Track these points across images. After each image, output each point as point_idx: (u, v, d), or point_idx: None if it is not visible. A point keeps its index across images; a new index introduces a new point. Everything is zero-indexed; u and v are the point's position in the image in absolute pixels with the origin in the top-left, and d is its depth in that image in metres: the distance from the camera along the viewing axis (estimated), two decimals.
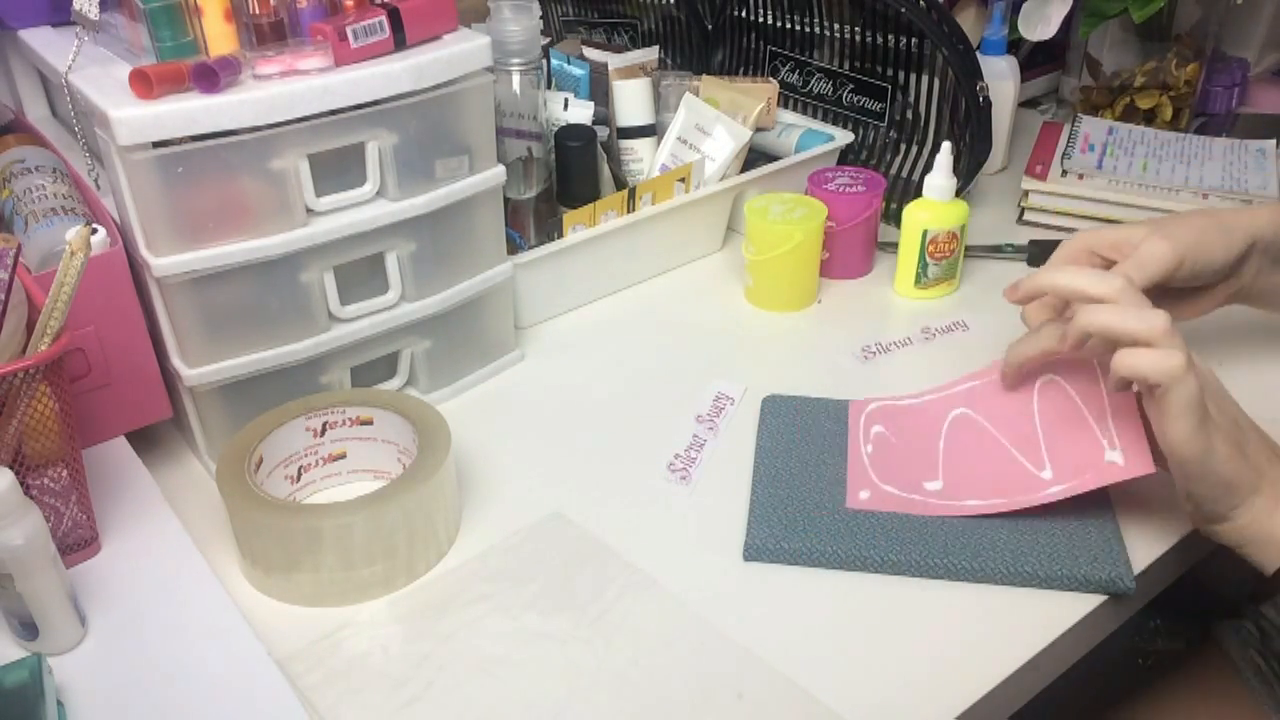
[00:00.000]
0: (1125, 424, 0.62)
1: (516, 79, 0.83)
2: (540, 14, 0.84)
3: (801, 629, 0.58)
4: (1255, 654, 0.77)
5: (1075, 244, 0.69)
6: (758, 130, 0.98)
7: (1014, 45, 1.11)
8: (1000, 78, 1.05)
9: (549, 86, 0.95)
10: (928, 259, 0.88)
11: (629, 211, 0.89)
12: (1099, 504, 0.64)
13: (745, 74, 1.11)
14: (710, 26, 1.12)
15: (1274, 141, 1.04)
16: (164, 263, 0.63)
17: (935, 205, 0.86)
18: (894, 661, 0.56)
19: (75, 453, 0.60)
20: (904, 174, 1.01)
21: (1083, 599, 0.60)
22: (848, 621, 0.59)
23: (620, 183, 0.97)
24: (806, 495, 0.66)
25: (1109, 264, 0.67)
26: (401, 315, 0.73)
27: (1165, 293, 0.68)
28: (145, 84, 0.59)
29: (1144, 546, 0.63)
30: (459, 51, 0.68)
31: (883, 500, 0.65)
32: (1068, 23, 1.09)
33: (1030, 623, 0.58)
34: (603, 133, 0.95)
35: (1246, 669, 0.76)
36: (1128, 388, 0.61)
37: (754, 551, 0.63)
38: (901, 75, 0.98)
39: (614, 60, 0.98)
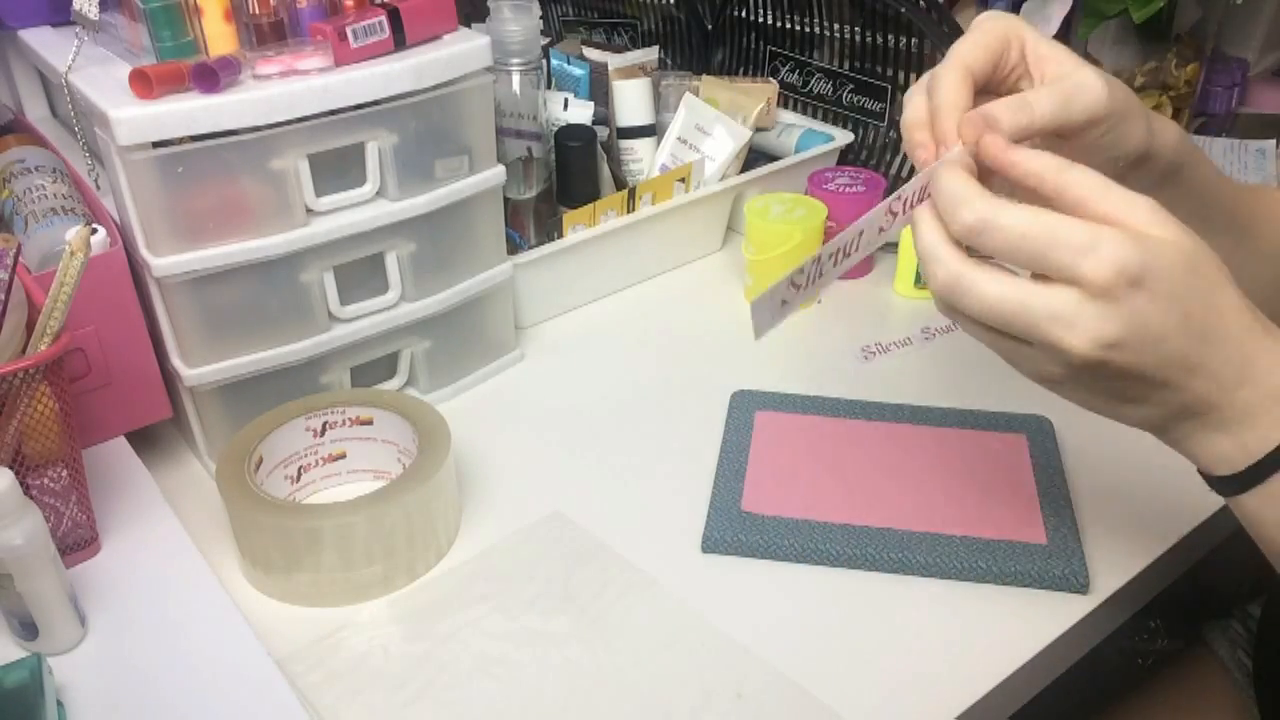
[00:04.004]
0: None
1: (516, 79, 0.83)
2: (540, 14, 0.84)
3: (802, 629, 0.58)
4: (1243, 654, 0.77)
5: (985, 34, 0.53)
6: (758, 130, 0.98)
7: None
8: None
9: (549, 86, 0.95)
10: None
11: (629, 211, 0.89)
12: (1056, 504, 0.65)
13: (745, 74, 1.11)
14: (710, 26, 1.12)
15: (1274, 141, 1.04)
16: (164, 263, 0.63)
17: None
18: (894, 661, 0.56)
19: (75, 453, 0.60)
20: (904, 174, 1.01)
21: (1082, 600, 0.60)
22: (848, 622, 0.59)
23: (620, 183, 0.97)
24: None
25: (1016, 68, 0.54)
26: (401, 315, 0.73)
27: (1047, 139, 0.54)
28: (145, 84, 0.59)
29: (1142, 547, 0.63)
30: (459, 51, 0.68)
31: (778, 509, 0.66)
32: (1068, 23, 1.09)
33: (1030, 623, 0.58)
34: (603, 133, 0.95)
35: (1235, 669, 0.76)
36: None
37: (710, 544, 0.64)
38: (901, 75, 0.98)
39: (614, 60, 0.98)
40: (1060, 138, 0.52)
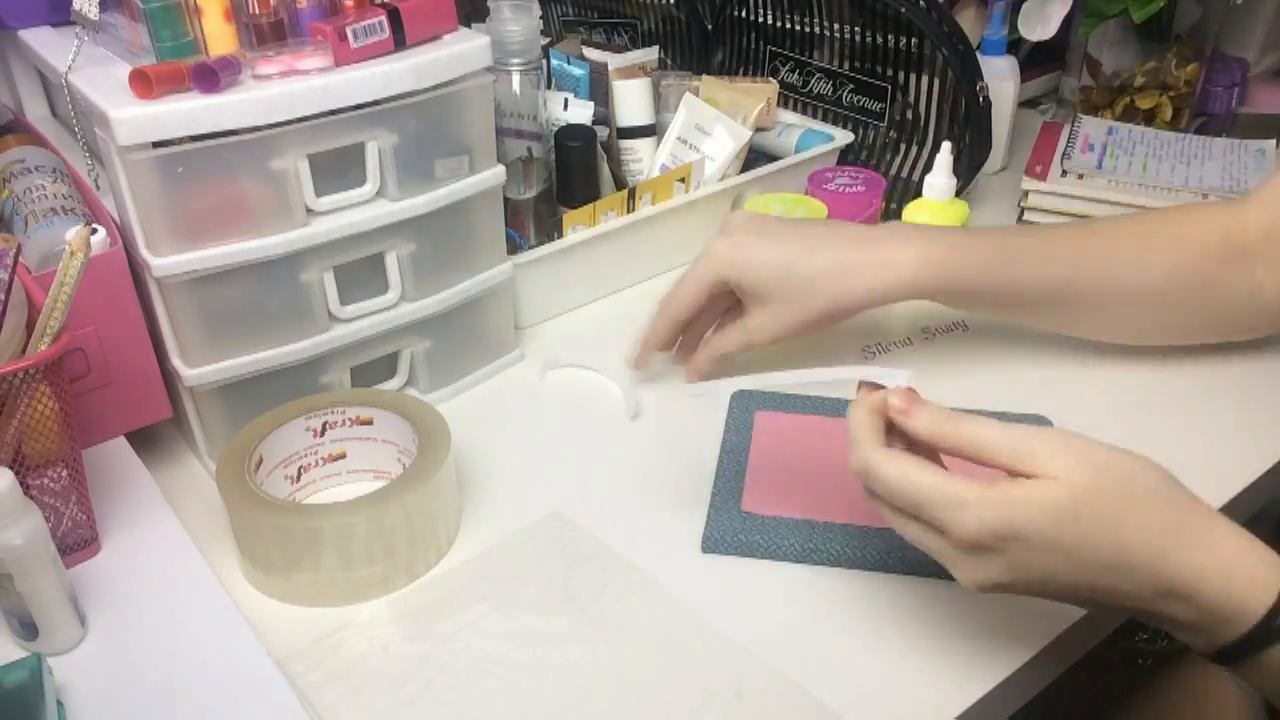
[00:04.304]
0: None
1: (516, 79, 0.83)
2: (540, 14, 0.84)
3: (802, 629, 0.58)
4: None
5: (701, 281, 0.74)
6: (758, 130, 0.98)
7: (1014, 45, 1.11)
8: (1000, 78, 1.05)
9: (549, 86, 0.95)
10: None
11: (629, 211, 0.89)
12: None
13: (745, 74, 1.11)
14: (710, 26, 1.12)
15: (1274, 141, 1.04)
16: (164, 263, 0.63)
17: (935, 205, 0.86)
18: (894, 661, 0.56)
19: (75, 453, 0.60)
20: (904, 174, 1.01)
21: None
22: (849, 622, 0.59)
23: (620, 183, 0.97)
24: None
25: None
26: (401, 315, 0.73)
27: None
28: (145, 84, 0.59)
29: None
30: (459, 51, 0.68)
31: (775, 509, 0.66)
32: (1068, 23, 1.10)
33: (1030, 622, 0.58)
34: (603, 133, 0.95)
35: None
36: None
37: (710, 544, 0.64)
38: (901, 75, 0.98)
39: (614, 60, 0.98)
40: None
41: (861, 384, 0.55)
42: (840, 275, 0.70)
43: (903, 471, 0.50)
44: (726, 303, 0.75)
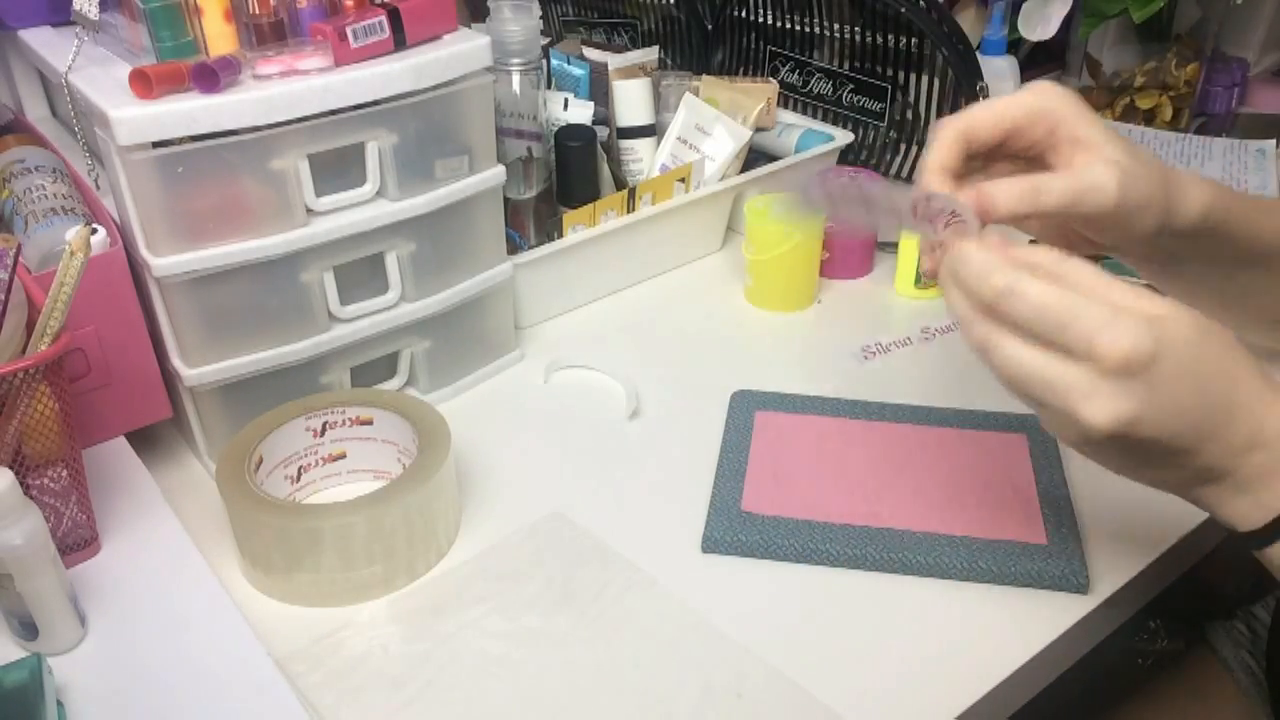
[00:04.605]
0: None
1: (516, 79, 0.83)
2: (540, 14, 0.84)
3: (802, 629, 0.58)
4: (1247, 654, 0.77)
5: (1009, 106, 0.55)
6: (758, 130, 0.98)
7: (1014, 45, 1.11)
8: (1000, 78, 1.05)
9: (549, 86, 0.95)
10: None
11: (629, 211, 0.89)
12: (1056, 504, 0.65)
13: (745, 74, 1.11)
14: (710, 26, 1.12)
15: (1274, 141, 1.04)
16: (164, 263, 0.63)
17: None
18: (894, 661, 0.56)
19: (75, 453, 0.60)
20: (904, 174, 1.01)
21: (1082, 599, 0.60)
22: (848, 621, 0.59)
23: (620, 183, 0.97)
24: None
25: (1040, 143, 0.56)
26: (401, 315, 0.73)
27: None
28: (145, 84, 0.59)
29: (1142, 547, 0.63)
30: (459, 51, 0.68)
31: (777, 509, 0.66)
32: (1068, 23, 1.10)
33: (1030, 622, 0.58)
34: (603, 133, 0.95)
35: (1239, 669, 0.76)
36: None
37: (710, 544, 0.64)
38: (901, 75, 0.98)
39: (614, 60, 0.98)
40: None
41: (924, 202, 0.51)
42: (1168, 183, 0.57)
43: (1047, 289, 0.46)
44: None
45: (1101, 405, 0.45)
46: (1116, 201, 0.53)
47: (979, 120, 0.55)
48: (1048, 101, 0.55)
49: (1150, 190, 0.55)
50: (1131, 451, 0.48)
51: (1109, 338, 0.44)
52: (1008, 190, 0.53)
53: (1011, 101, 0.56)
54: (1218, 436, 0.48)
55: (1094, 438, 0.46)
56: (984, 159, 0.57)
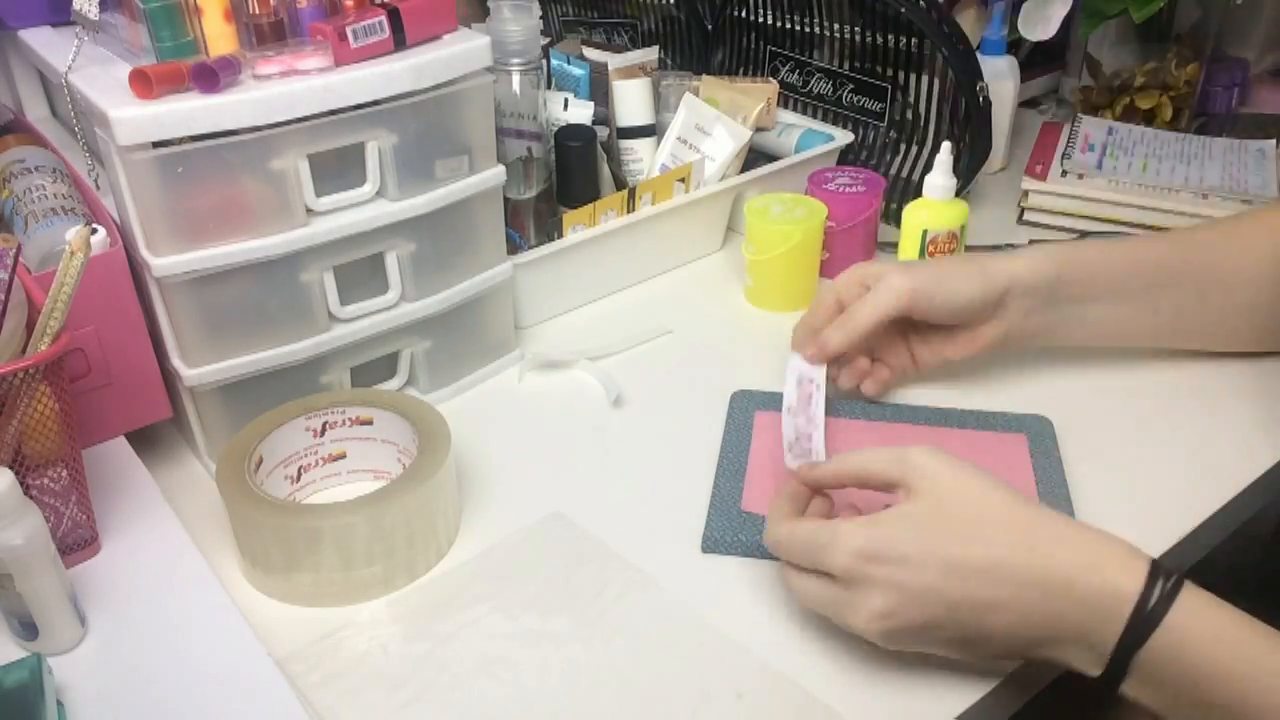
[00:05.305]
0: None
1: (516, 79, 0.83)
2: (540, 14, 0.84)
3: (802, 629, 0.58)
4: None
5: (838, 284, 0.73)
6: (758, 130, 0.98)
7: (1014, 45, 1.11)
8: (1000, 78, 1.05)
9: (549, 86, 0.95)
10: (927, 259, 0.87)
11: (629, 211, 0.89)
12: (1056, 504, 0.65)
13: (745, 74, 1.11)
14: (710, 26, 1.12)
15: (1274, 141, 1.04)
16: (164, 263, 0.63)
17: (935, 205, 0.86)
18: (894, 661, 0.56)
19: (75, 453, 0.60)
20: (904, 174, 1.01)
21: None
22: None
23: (620, 183, 0.97)
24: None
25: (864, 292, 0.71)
26: (401, 315, 0.73)
27: (932, 329, 0.73)
28: (145, 84, 0.59)
29: (1142, 547, 0.63)
30: (459, 51, 0.68)
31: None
32: (1068, 23, 1.09)
33: None
34: (602, 133, 0.95)
35: None
36: None
37: (710, 544, 0.64)
38: (901, 75, 0.98)
39: (614, 60, 0.98)
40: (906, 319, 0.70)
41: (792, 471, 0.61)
42: (981, 263, 0.71)
43: (789, 529, 0.55)
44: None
45: (857, 611, 0.51)
46: (910, 290, 0.69)
47: (817, 312, 0.73)
48: (862, 268, 0.72)
49: (941, 267, 0.70)
50: (929, 635, 0.52)
51: (829, 560, 0.52)
52: (831, 333, 0.71)
53: (841, 280, 0.73)
54: (1002, 602, 0.50)
55: (876, 637, 0.52)
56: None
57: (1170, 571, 0.49)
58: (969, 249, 0.92)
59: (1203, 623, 0.47)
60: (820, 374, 0.72)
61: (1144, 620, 0.47)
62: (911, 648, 0.53)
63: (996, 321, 0.71)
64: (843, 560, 0.51)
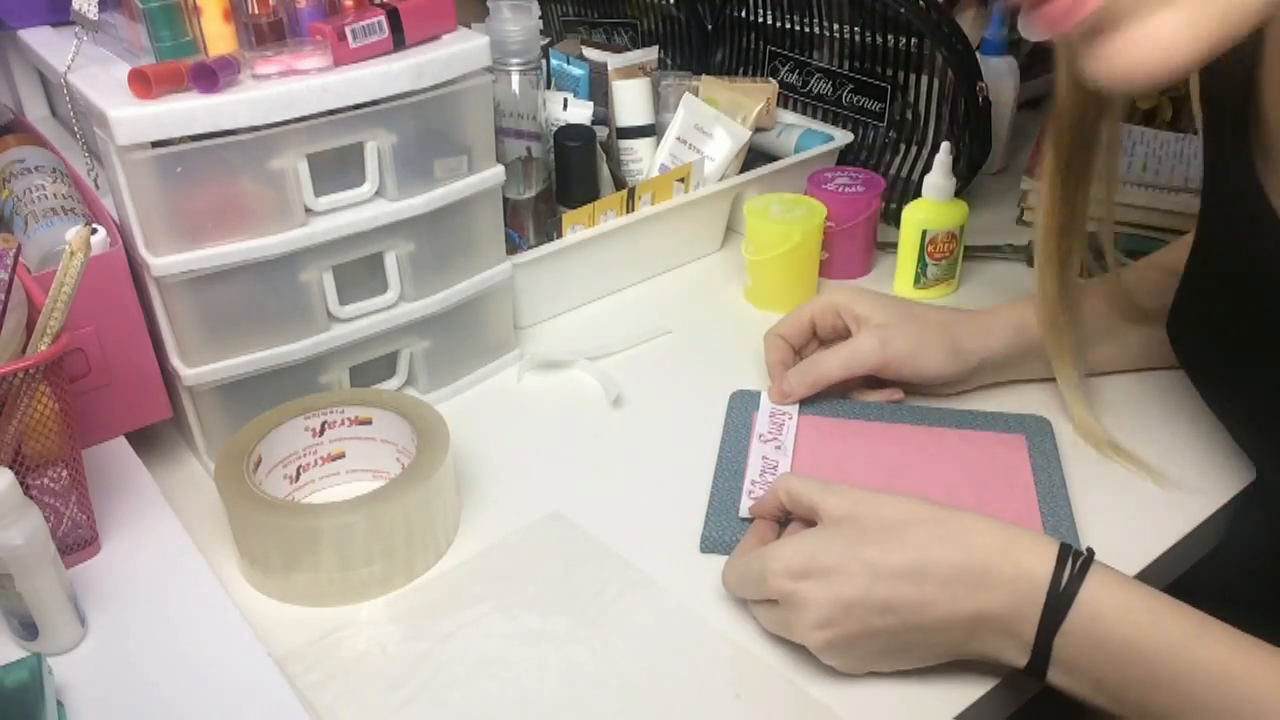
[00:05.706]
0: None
1: (516, 79, 0.83)
2: (540, 14, 0.84)
3: None
4: None
5: (797, 314, 0.75)
6: (757, 130, 0.98)
7: (1014, 45, 1.11)
8: (1000, 78, 1.05)
9: (549, 86, 0.95)
10: (927, 259, 0.88)
11: (628, 211, 0.89)
12: (1055, 504, 0.65)
13: (745, 74, 1.11)
14: (710, 26, 1.12)
15: None
16: (163, 263, 0.63)
17: (934, 205, 0.86)
18: None
19: (75, 453, 0.60)
20: (903, 174, 1.01)
21: None
22: None
23: (619, 183, 0.97)
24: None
25: (836, 326, 0.74)
26: (401, 315, 0.73)
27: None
28: (144, 84, 0.59)
29: (1142, 547, 0.63)
30: (458, 51, 0.68)
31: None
32: None
33: None
34: (602, 133, 0.95)
35: None
36: None
37: (709, 544, 0.64)
38: (901, 75, 0.98)
39: (614, 60, 0.98)
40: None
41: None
42: (956, 339, 0.73)
43: (730, 568, 0.58)
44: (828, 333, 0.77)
45: (799, 627, 0.53)
46: (881, 358, 0.71)
47: (789, 325, 0.75)
48: (832, 297, 0.74)
49: (917, 338, 0.71)
50: (870, 644, 0.53)
51: (766, 586, 0.54)
52: (796, 377, 0.73)
53: (808, 305, 0.75)
54: (930, 600, 0.51)
55: (823, 652, 0.53)
56: (813, 343, 0.77)
57: (1078, 552, 0.50)
58: (968, 249, 0.93)
59: (1114, 597, 0.49)
60: (793, 406, 0.74)
61: (1058, 599, 0.49)
62: (860, 665, 0.54)
63: (966, 384, 0.75)
64: (774, 582, 0.53)
